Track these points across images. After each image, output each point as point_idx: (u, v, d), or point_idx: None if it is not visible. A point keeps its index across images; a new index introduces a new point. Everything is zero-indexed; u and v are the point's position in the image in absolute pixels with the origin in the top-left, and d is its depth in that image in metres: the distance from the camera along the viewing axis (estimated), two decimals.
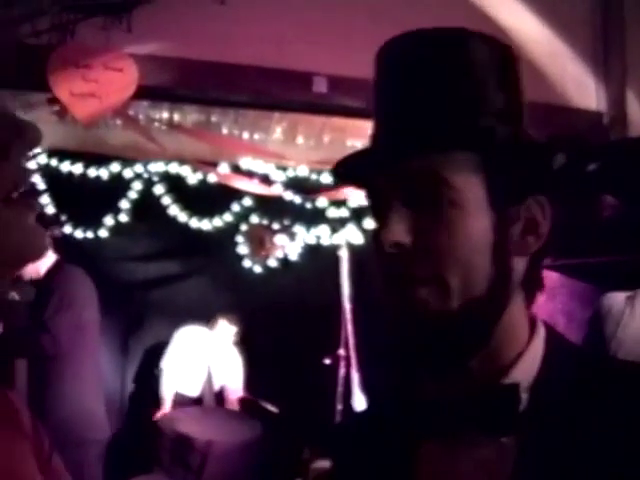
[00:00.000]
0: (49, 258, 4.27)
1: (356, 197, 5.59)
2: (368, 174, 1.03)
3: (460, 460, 1.01)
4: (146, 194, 5.92)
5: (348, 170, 1.07)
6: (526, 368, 1.02)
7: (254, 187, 5.63)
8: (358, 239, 5.71)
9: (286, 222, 6.05)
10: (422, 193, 0.98)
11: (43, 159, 5.63)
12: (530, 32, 4.10)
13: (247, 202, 5.98)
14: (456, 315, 0.98)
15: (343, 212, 5.84)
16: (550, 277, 3.01)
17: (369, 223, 5.76)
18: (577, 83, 4.25)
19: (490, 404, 0.99)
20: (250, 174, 5.66)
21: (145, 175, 5.92)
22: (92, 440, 4.17)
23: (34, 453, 1.02)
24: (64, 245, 4.90)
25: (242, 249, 6.21)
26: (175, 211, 5.93)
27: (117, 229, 5.96)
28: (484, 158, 0.99)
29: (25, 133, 0.93)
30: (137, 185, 5.92)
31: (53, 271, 4.25)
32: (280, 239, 6.07)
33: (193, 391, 5.77)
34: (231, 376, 5.86)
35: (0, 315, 3.65)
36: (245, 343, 5.93)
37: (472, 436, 1.00)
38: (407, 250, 0.98)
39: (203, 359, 5.82)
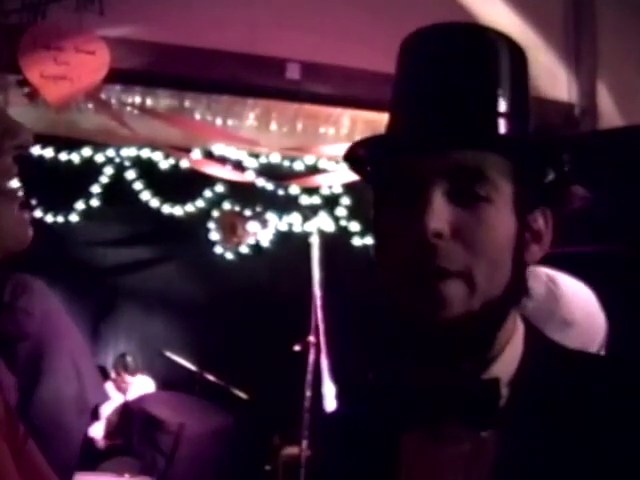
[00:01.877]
0: None
1: (328, 184, 5.60)
2: (414, 158, 1.00)
3: (441, 454, 1.01)
4: (118, 179, 5.89)
5: (381, 151, 1.05)
6: (506, 364, 1.03)
7: (227, 173, 5.61)
8: (330, 226, 5.72)
9: (258, 209, 6.04)
10: (464, 186, 0.98)
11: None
12: (502, 23, 4.11)
13: (219, 188, 5.96)
14: (477, 315, 0.97)
15: (315, 199, 5.84)
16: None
17: (341, 211, 5.77)
18: (549, 74, 4.27)
19: (471, 399, 1.00)
20: (223, 160, 5.64)
21: (117, 160, 5.89)
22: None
23: (7, 438, 1.01)
24: (34, 230, 4.87)
25: (214, 235, 6.19)
26: (147, 196, 5.90)
27: (88, 214, 5.93)
28: (516, 163, 1.01)
29: (17, 134, 0.93)
30: (109, 170, 5.89)
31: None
32: (252, 226, 6.06)
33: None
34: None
35: None
36: (216, 329, 5.92)
37: (453, 430, 1.00)
38: (445, 241, 0.96)
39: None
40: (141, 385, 5.96)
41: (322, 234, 5.46)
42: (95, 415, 5.28)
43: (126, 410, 5.15)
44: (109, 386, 5.81)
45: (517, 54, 1.07)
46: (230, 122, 5.40)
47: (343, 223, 5.79)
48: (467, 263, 0.97)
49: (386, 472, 1.05)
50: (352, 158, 1.09)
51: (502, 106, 1.02)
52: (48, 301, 4.27)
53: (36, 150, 5.67)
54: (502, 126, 1.02)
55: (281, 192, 5.79)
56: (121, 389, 5.87)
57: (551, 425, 0.97)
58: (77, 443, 4.11)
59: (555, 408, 0.98)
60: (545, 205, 1.07)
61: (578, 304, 1.91)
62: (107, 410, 5.61)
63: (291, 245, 5.88)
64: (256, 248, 6.16)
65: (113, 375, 5.91)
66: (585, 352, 1.39)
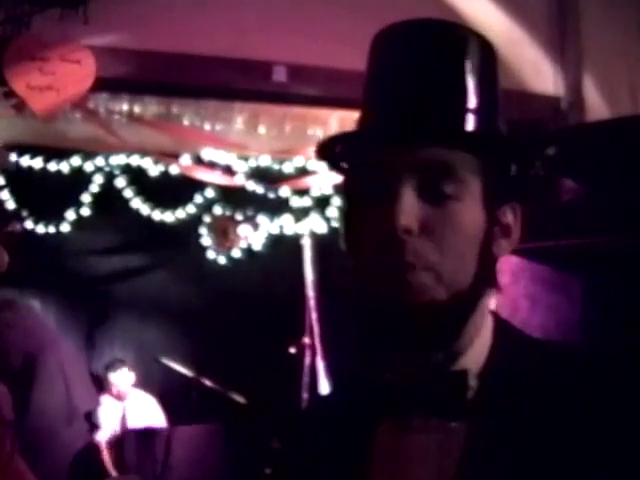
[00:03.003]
0: None
1: (319, 186, 5.61)
2: (384, 155, 1.01)
3: (410, 444, 1.03)
4: (108, 187, 5.88)
5: (352, 148, 1.07)
6: (475, 356, 1.04)
7: (216, 178, 5.62)
8: (321, 228, 5.72)
9: (249, 212, 6.04)
10: (432, 182, 0.99)
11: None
12: (487, 18, 4.12)
13: (210, 193, 5.96)
14: (444, 305, 0.99)
15: (306, 201, 5.84)
16: (512, 261, 3.04)
17: (332, 212, 5.78)
18: (534, 68, 4.28)
19: (440, 390, 1.01)
20: (212, 165, 5.65)
21: (106, 168, 5.88)
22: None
23: None
24: (26, 241, 4.86)
25: (206, 240, 6.19)
26: (137, 204, 5.90)
27: (79, 223, 5.92)
28: (485, 160, 1.02)
29: None
30: (98, 178, 5.89)
31: None
32: (243, 229, 6.06)
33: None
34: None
35: None
36: (211, 334, 5.92)
37: (422, 421, 1.02)
38: (414, 237, 0.98)
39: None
40: (141, 402, 5.95)
41: (314, 235, 5.48)
42: (91, 421, 5.30)
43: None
44: (106, 395, 5.81)
45: (487, 50, 1.08)
46: (218, 127, 5.40)
47: (335, 224, 5.80)
48: (434, 259, 0.98)
49: (358, 463, 1.05)
50: (324, 153, 1.10)
51: (470, 102, 1.03)
52: (32, 318, 4.27)
53: (25, 161, 5.66)
54: (470, 122, 1.03)
55: (272, 195, 5.79)
56: (120, 397, 5.86)
57: (520, 416, 0.99)
58: (68, 451, 4.10)
59: (523, 399, 1.00)
60: (515, 200, 1.08)
61: None
62: (104, 416, 5.61)
63: (283, 248, 5.89)
64: (248, 252, 6.16)
65: (110, 380, 5.88)
66: (553, 343, 1.40)
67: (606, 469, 0.94)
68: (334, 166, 1.12)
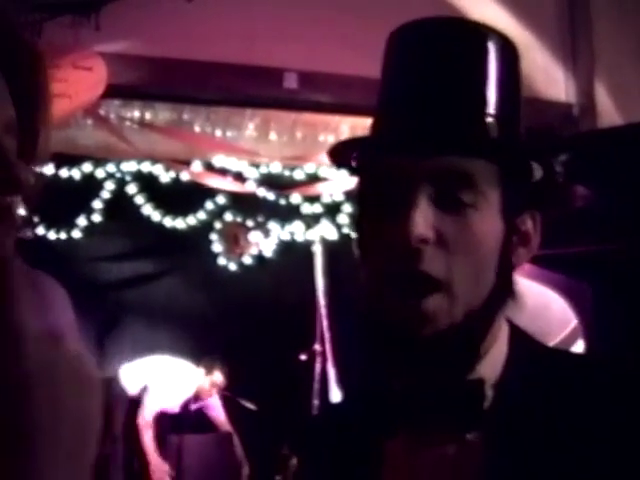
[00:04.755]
0: None
1: (330, 192, 5.60)
2: (399, 161, 0.98)
3: (425, 457, 0.99)
4: (119, 194, 5.89)
5: (366, 154, 1.03)
6: (491, 365, 1.00)
7: (227, 184, 5.62)
8: (332, 235, 5.72)
9: (260, 219, 6.04)
10: (449, 191, 0.96)
11: None
12: (498, 24, 4.10)
13: (221, 200, 5.96)
14: (460, 325, 0.95)
15: (317, 208, 5.84)
16: (524, 269, 3.03)
17: (343, 218, 5.77)
18: (546, 75, 4.27)
19: (455, 400, 0.98)
20: (223, 171, 5.65)
21: (117, 175, 5.89)
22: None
23: None
24: (37, 247, 4.87)
25: (216, 247, 6.18)
26: (148, 210, 5.91)
27: (90, 229, 5.93)
28: (504, 168, 0.99)
29: None
30: (109, 185, 5.89)
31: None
32: (254, 236, 6.06)
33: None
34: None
35: None
36: (222, 340, 5.91)
37: (437, 432, 0.98)
38: (429, 246, 0.94)
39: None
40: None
41: (325, 242, 5.47)
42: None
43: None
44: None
45: (509, 51, 1.05)
46: (229, 133, 5.41)
47: (345, 230, 5.79)
48: (449, 270, 0.95)
49: (368, 477, 1.02)
50: (337, 158, 1.07)
51: (491, 108, 1.00)
52: None
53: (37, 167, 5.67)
54: (492, 130, 1.00)
55: (282, 201, 5.79)
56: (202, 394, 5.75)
57: (537, 427, 0.95)
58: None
59: (541, 409, 0.97)
60: (534, 207, 1.05)
61: (529, 294, 1.94)
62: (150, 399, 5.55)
63: (294, 254, 5.88)
64: (259, 258, 6.15)
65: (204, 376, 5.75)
66: (571, 352, 1.38)
67: None
68: (350, 170, 1.08)
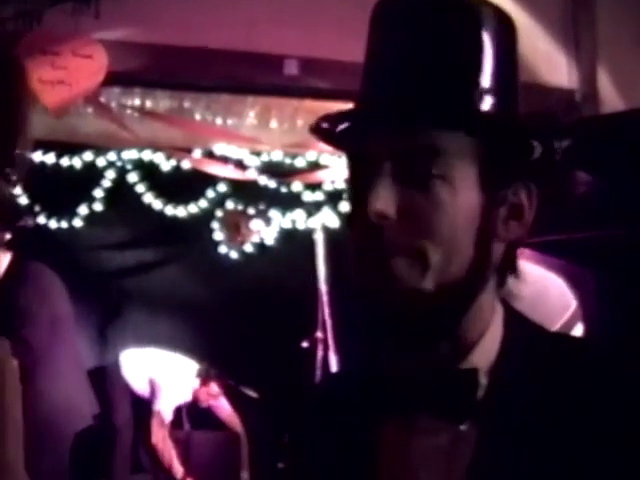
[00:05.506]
0: (4, 259, 3.92)
1: (332, 180, 5.59)
2: (363, 139, 0.97)
3: (418, 446, 0.97)
4: (120, 182, 5.88)
5: (336, 131, 1.03)
6: (485, 351, 0.98)
7: (228, 172, 5.61)
8: (334, 222, 5.71)
9: (261, 207, 6.02)
10: (415, 166, 0.94)
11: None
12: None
13: (222, 188, 5.95)
14: (431, 296, 0.94)
15: (318, 196, 5.83)
16: (525, 254, 3.02)
17: (344, 206, 5.76)
18: (548, 61, 4.26)
19: (447, 390, 0.96)
20: (224, 159, 5.64)
21: (118, 163, 5.88)
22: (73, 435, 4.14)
23: None
24: (38, 236, 4.87)
25: (218, 235, 6.17)
26: (149, 199, 5.90)
27: (91, 218, 5.92)
28: (481, 140, 0.96)
29: None
30: (110, 173, 5.88)
31: (12, 271, 3.93)
32: (256, 224, 6.05)
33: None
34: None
35: None
36: (223, 329, 5.91)
37: (430, 422, 0.96)
38: (391, 222, 0.93)
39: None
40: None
41: (326, 230, 5.46)
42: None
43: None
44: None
45: (501, 23, 1.02)
46: (230, 121, 5.40)
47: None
48: (419, 243, 0.93)
49: (365, 463, 1.00)
50: (317, 131, 1.07)
51: (478, 79, 0.97)
52: None
53: (37, 156, 5.67)
54: (469, 102, 0.97)
55: (284, 189, 5.78)
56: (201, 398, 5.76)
57: (534, 416, 0.93)
58: (65, 446, 4.05)
59: (535, 397, 0.94)
60: (530, 179, 1.01)
61: (528, 280, 1.93)
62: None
63: (296, 242, 5.88)
64: (261, 246, 6.15)
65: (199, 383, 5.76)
66: (570, 336, 1.35)
67: (628, 471, 0.89)
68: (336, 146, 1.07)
